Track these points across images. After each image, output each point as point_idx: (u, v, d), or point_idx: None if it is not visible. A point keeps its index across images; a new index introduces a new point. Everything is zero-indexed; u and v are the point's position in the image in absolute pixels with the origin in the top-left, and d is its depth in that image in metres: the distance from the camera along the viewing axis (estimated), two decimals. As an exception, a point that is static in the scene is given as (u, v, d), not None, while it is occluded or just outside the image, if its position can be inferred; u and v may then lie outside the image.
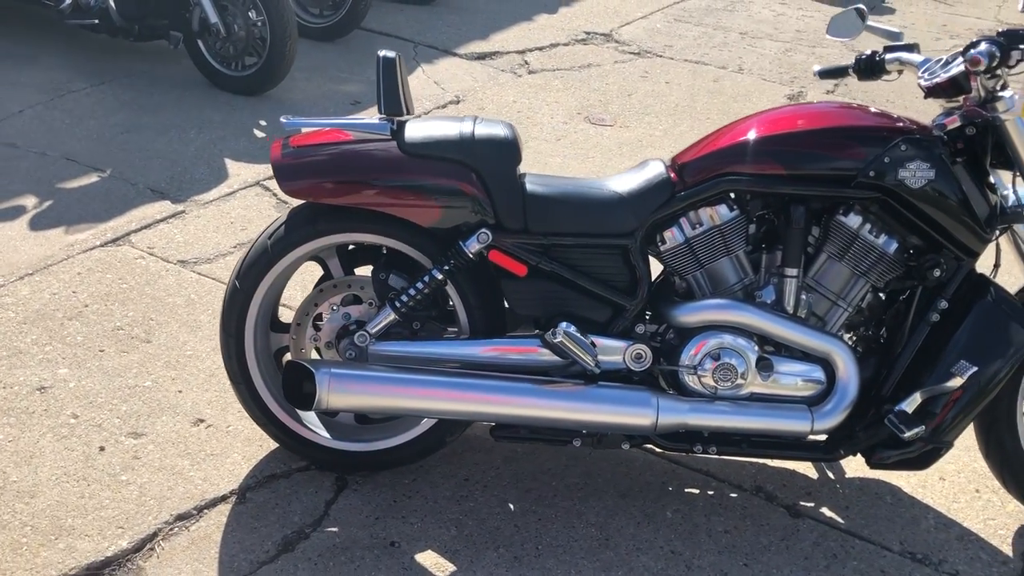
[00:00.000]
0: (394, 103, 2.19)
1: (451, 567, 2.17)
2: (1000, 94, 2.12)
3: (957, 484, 2.54)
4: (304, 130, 2.26)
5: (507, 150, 2.16)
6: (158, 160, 4.02)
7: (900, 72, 2.33)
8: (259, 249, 2.24)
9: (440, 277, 2.17)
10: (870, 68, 2.36)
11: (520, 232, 2.17)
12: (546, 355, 2.18)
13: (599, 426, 2.18)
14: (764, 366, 2.19)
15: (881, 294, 2.35)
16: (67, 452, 2.40)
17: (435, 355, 2.21)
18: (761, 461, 2.54)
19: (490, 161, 2.15)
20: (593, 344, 2.17)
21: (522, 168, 2.21)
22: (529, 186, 2.18)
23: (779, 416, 2.18)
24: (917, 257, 2.21)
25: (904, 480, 2.54)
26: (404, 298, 2.18)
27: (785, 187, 2.15)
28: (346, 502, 2.33)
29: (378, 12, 6.51)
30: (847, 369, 2.18)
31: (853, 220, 2.19)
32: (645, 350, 2.21)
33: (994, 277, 2.31)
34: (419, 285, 2.18)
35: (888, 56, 2.34)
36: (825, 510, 2.43)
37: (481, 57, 5.93)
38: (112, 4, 4.66)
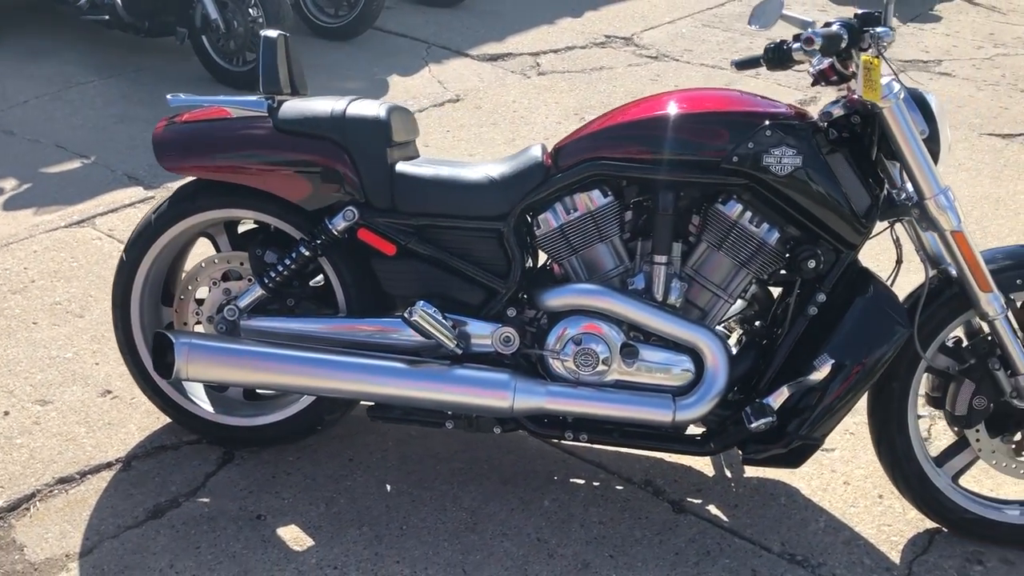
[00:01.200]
0: (272, 82, 2.23)
1: (310, 542, 2.19)
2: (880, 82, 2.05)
3: (861, 489, 2.45)
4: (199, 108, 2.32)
5: (377, 129, 2.18)
6: (143, 149, 4.14)
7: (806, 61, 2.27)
8: (143, 223, 2.31)
9: (307, 254, 2.20)
10: (778, 58, 2.31)
11: (389, 212, 2.18)
12: (411, 335, 2.18)
13: (459, 407, 2.17)
14: (629, 353, 2.16)
15: (770, 286, 2.29)
16: (-26, 415, 2.51)
17: (304, 332, 2.24)
18: (657, 456, 2.49)
19: (359, 140, 2.17)
20: (454, 325, 2.16)
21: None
22: (400, 166, 2.19)
23: (639, 404, 2.14)
24: (794, 248, 2.15)
25: (805, 483, 2.46)
26: (272, 273, 2.22)
27: (651, 172, 2.11)
28: (225, 475, 2.37)
29: (399, 14, 6.61)
30: (715, 360, 2.13)
31: (731, 208, 2.14)
32: (513, 333, 2.19)
33: (896, 272, 2.23)
34: (287, 261, 2.21)
35: (794, 45, 2.28)
36: (712, 508, 2.38)
37: (493, 58, 5.95)
38: (118, 1, 4.84)
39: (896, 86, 2.06)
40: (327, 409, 2.34)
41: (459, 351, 2.16)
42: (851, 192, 2.09)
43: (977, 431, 2.24)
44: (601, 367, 2.15)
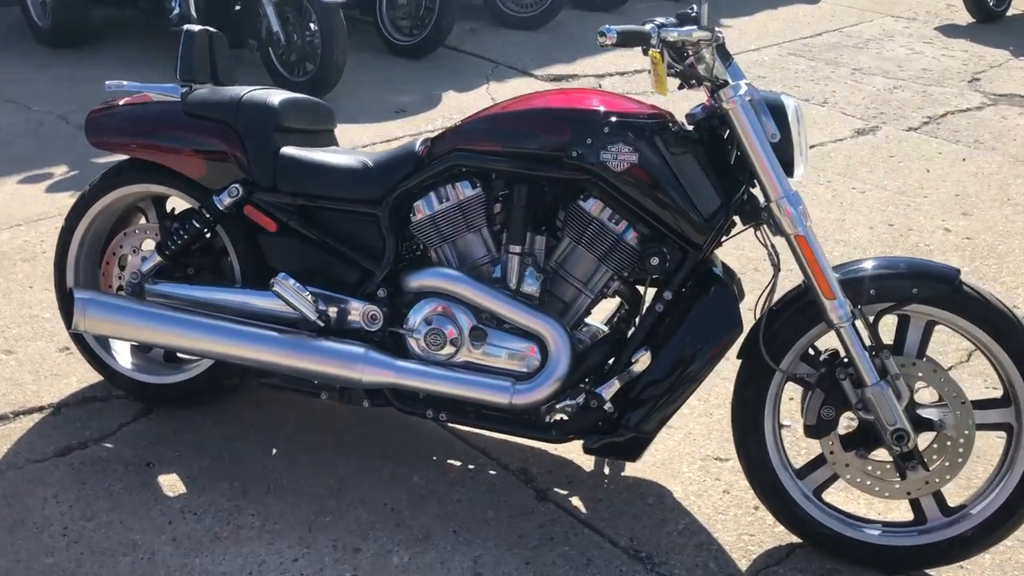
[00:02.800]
0: (189, 70, 2.48)
1: (182, 490, 2.38)
2: (727, 82, 2.08)
3: (738, 499, 2.43)
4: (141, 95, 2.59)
5: (266, 115, 2.38)
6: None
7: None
8: (80, 194, 2.59)
9: (198, 226, 2.41)
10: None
11: (271, 191, 2.37)
12: (283, 306, 2.35)
13: (316, 375, 2.31)
14: (477, 336, 2.25)
15: (637, 284, 2.33)
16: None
17: (195, 298, 2.44)
18: (541, 447, 2.56)
19: (249, 123, 2.37)
20: (319, 299, 2.32)
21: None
22: (285, 149, 2.38)
23: (479, 386, 2.22)
24: (642, 245, 2.19)
25: (682, 487, 2.47)
26: (168, 243, 2.44)
27: (502, 165, 2.21)
28: (136, 426, 2.60)
29: (480, 35, 6.89)
30: (558, 349, 2.19)
31: (591, 205, 2.21)
32: (379, 312, 2.33)
33: (775, 276, 2.22)
34: (180, 232, 2.43)
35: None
36: (575, 499, 2.42)
37: (557, 79, 6.11)
38: (193, 13, 5.29)
39: (743, 87, 2.08)
40: (224, 374, 2.53)
41: (320, 323, 2.31)
42: (696, 193, 2.12)
43: (831, 443, 2.19)
44: (449, 348, 2.26)
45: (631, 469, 2.53)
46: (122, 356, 2.63)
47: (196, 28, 2.50)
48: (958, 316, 2.10)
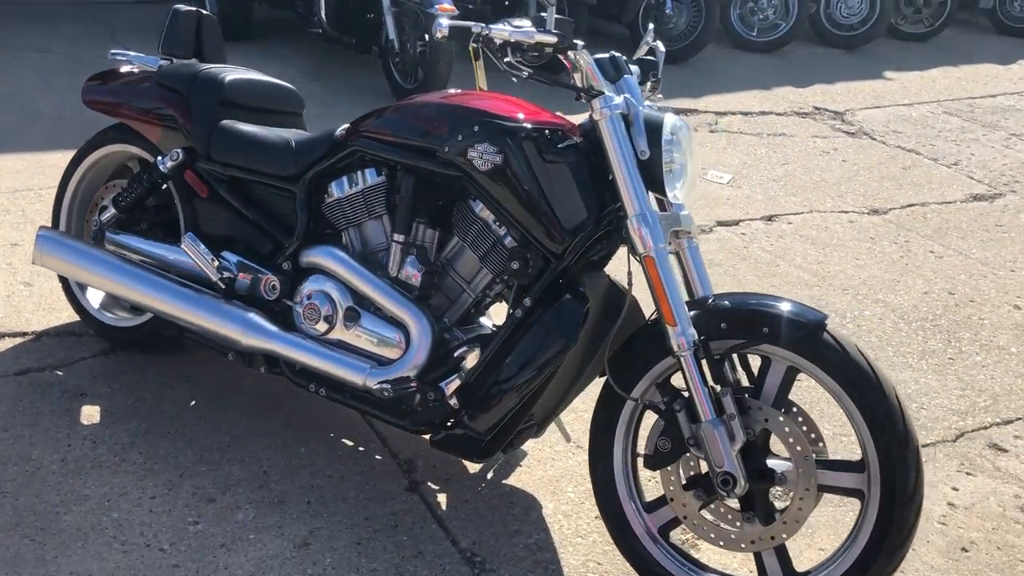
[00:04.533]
0: (168, 45, 2.72)
1: (95, 421, 2.60)
2: (598, 93, 2.06)
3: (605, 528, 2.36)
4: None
5: (213, 89, 2.57)
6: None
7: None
8: (77, 150, 2.90)
9: (146, 185, 2.64)
10: None
11: (206, 159, 2.56)
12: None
13: (208, 333, 2.46)
14: (350, 317, 2.32)
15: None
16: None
17: (140, 250, 2.67)
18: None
19: (198, 95, 2.57)
20: (219, 261, 2.47)
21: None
22: (224, 122, 2.56)
23: (339, 363, 2.29)
24: (510, 249, 2.19)
25: (555, 504, 2.43)
26: (121, 197, 2.68)
27: (391, 154, 2.27)
28: (92, 362, 2.87)
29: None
30: (418, 340, 2.23)
31: (477, 205, 2.24)
32: (278, 283, 2.45)
33: (626, 302, 2.16)
34: (131, 188, 2.66)
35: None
36: (443, 496, 2.43)
37: (674, 112, 6.03)
38: (323, 17, 5.69)
39: (617, 100, 2.05)
40: (162, 324, 2.74)
41: (222, 285, 2.47)
42: (560, 202, 2.10)
43: (672, 480, 2.10)
44: (323, 324, 2.35)
45: (516, 479, 2.52)
46: (94, 298, 2.91)
47: (183, 8, 2.74)
48: (812, 364, 1.95)
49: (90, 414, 2.63)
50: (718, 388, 1.99)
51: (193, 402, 2.72)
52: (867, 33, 8.09)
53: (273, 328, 2.38)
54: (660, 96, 2.52)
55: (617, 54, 2.18)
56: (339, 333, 2.34)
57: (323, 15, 5.72)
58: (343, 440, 2.62)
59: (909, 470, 1.89)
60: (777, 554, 2.05)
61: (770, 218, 4.47)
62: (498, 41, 2.01)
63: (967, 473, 2.72)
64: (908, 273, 3.97)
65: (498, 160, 2.11)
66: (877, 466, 1.91)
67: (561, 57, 2.06)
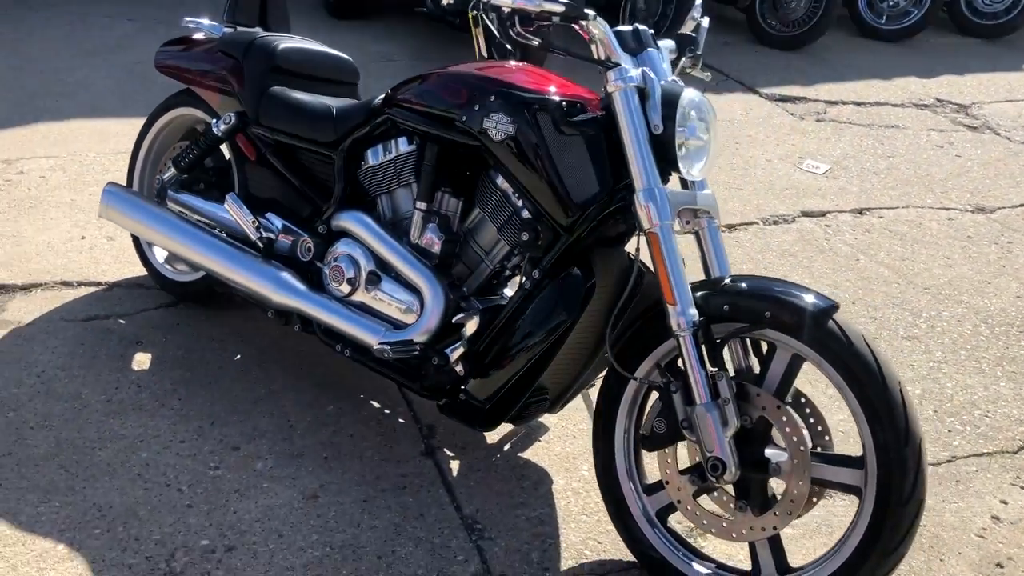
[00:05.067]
0: (232, 14, 2.83)
1: (145, 367, 2.75)
2: (615, 65, 2.02)
3: (614, 507, 2.34)
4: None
5: (265, 56, 2.66)
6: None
7: None
8: (151, 112, 3.05)
9: (202, 146, 2.76)
10: None
11: (255, 124, 2.65)
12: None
13: (247, 290, 2.56)
14: (371, 280, 2.37)
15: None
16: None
17: (195, 208, 2.80)
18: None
19: (252, 62, 2.67)
20: (259, 221, 2.56)
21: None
22: (273, 88, 2.64)
23: (357, 324, 2.35)
24: (522, 221, 2.18)
25: (565, 481, 2.42)
26: (180, 158, 2.81)
27: (417, 123, 2.30)
28: (153, 313, 3.03)
29: (733, 50, 6.78)
30: (431, 307, 2.26)
31: (496, 176, 2.25)
32: (312, 245, 2.52)
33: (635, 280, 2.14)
34: (189, 149, 2.79)
35: None
36: (456, 463, 2.46)
37: (782, 99, 5.88)
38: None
39: (632, 72, 2.01)
40: (214, 281, 2.86)
41: (260, 244, 2.56)
42: (572, 175, 2.07)
43: (668, 462, 2.06)
44: (346, 286, 2.40)
45: (532, 452, 2.52)
46: (159, 253, 3.07)
47: (251, -20, 2.85)
48: (815, 352, 1.88)
49: (141, 361, 2.79)
50: (716, 371, 1.94)
51: (238, 356, 2.84)
52: (1011, 22, 7.59)
53: (302, 287, 2.46)
54: (708, 75, 2.47)
55: (642, 27, 2.13)
56: (361, 296, 2.40)
57: (428, -2, 5.81)
58: (371, 402, 2.68)
59: (908, 470, 1.79)
60: (771, 546, 1.98)
61: (861, 211, 4.28)
62: (506, 9, 2.00)
63: (1022, 487, 2.55)
64: (1003, 275, 3.73)
65: (511, 130, 2.11)
66: (875, 463, 1.82)
67: (576, 27, 2.03)
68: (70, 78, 5.15)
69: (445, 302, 2.25)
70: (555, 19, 1.99)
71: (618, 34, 2.07)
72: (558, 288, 2.10)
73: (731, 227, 4.00)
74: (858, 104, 5.89)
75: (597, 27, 2.01)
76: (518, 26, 2.01)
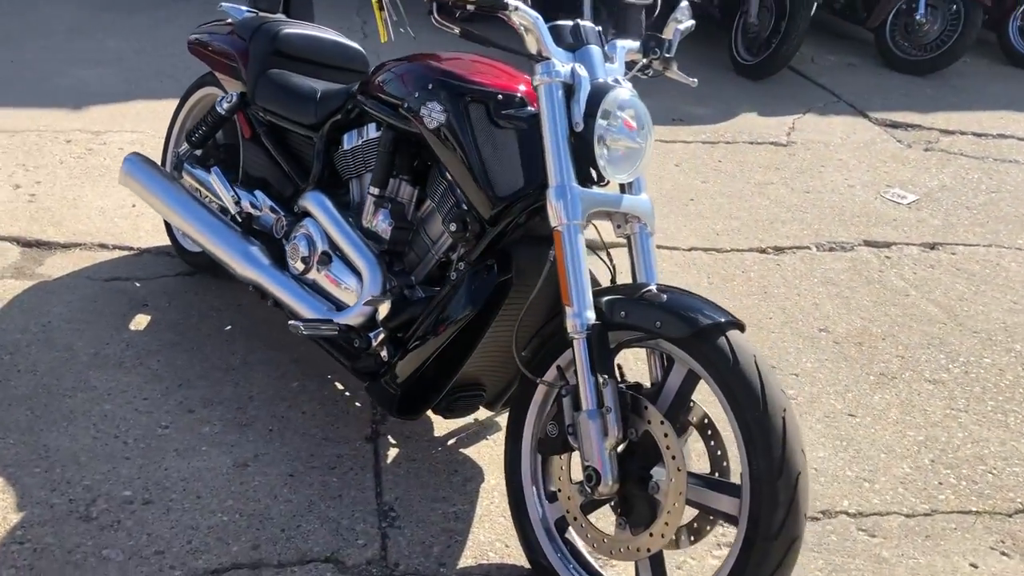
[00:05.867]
0: (254, 1, 2.95)
1: (142, 328, 2.90)
2: (545, 59, 1.98)
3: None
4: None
5: (268, 40, 2.75)
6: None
7: None
8: (185, 90, 3.23)
9: (210, 122, 2.88)
10: None
11: (252, 104, 2.76)
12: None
13: (216, 257, 2.66)
14: (323, 260, 2.41)
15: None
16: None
17: (202, 182, 2.93)
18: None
19: (256, 43, 2.77)
20: (239, 197, 2.67)
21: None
22: (272, 71, 2.74)
23: (303, 301, 2.40)
24: (453, 211, 2.17)
25: (498, 480, 2.38)
26: (192, 135, 2.95)
27: (373, 109, 2.32)
28: (170, 280, 3.19)
29: (858, 71, 6.49)
30: (367, 290, 2.28)
31: (442, 166, 2.25)
32: (285, 223, 2.60)
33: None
34: (200, 126, 2.92)
35: None
36: (394, 451, 2.47)
37: (892, 125, 5.59)
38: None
39: (560, 67, 1.97)
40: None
41: (239, 219, 2.66)
42: (498, 168, 2.05)
43: (561, 470, 2.00)
44: (300, 264, 2.46)
45: (475, 450, 2.50)
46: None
47: (275, -35, 2.96)
48: (702, 368, 1.78)
49: (139, 322, 2.94)
50: (604, 379, 1.86)
51: (229, 327, 2.95)
52: None
53: (265, 262, 2.54)
54: (694, 81, 2.39)
55: (587, 24, 2.08)
56: (313, 274, 2.45)
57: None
58: (336, 384, 2.72)
59: (778, 504, 1.67)
60: (652, 568, 1.89)
61: (932, 246, 3.98)
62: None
63: (1001, 552, 2.31)
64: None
65: (442, 119, 2.10)
66: (748, 493, 1.71)
67: (503, 18, 2.00)
68: (180, 63, 5.50)
69: (382, 287, 2.27)
70: (469, 7, 1.96)
71: (554, 28, 2.03)
72: (468, 281, 2.08)
73: (778, 250, 3.82)
74: (978, 135, 5.49)
75: (523, 18, 1.98)
76: (435, 14, 1.99)
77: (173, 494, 2.25)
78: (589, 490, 1.86)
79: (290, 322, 2.29)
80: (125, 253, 3.35)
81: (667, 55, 2.26)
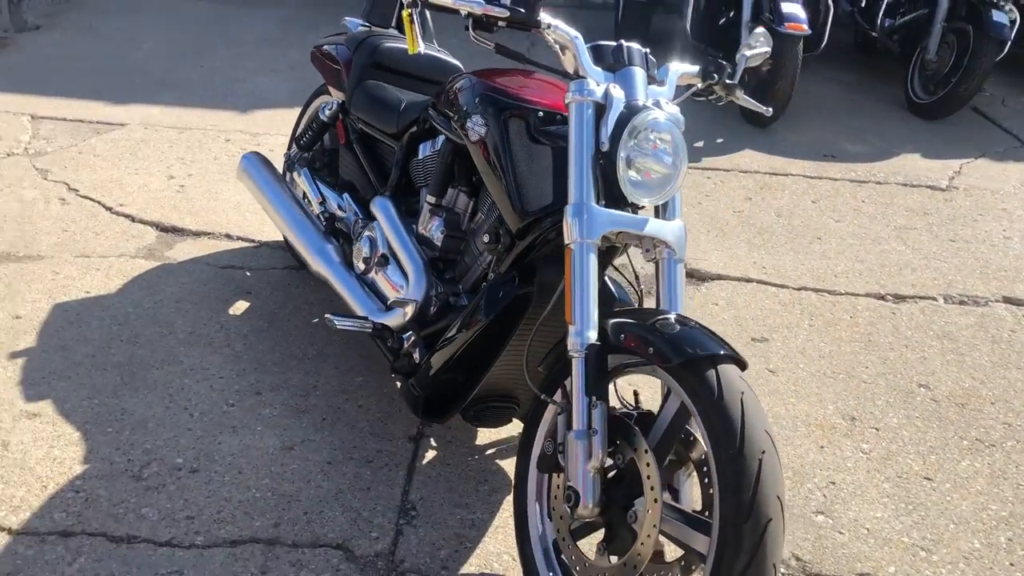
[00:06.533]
0: (367, 16, 3.12)
1: (235, 315, 3.11)
2: (578, 76, 2.00)
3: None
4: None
5: (368, 53, 2.90)
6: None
7: None
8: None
9: (315, 130, 3.06)
10: None
11: (348, 113, 2.91)
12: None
13: (300, 255, 2.82)
14: (381, 262, 2.52)
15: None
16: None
17: (305, 183, 3.11)
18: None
19: (358, 55, 2.93)
20: (324, 198, 2.82)
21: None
22: (368, 82, 2.88)
23: (360, 300, 2.51)
24: (490, 222, 2.22)
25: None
26: (301, 139, 3.14)
27: (437, 121, 2.40)
28: (278, 272, 3.40)
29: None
30: (411, 293, 2.36)
31: (496, 177, 2.31)
32: (361, 226, 2.73)
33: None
34: (307, 132, 3.10)
35: None
36: (432, 453, 2.53)
37: None
38: (688, 27, 5.77)
39: (593, 87, 1.97)
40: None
41: (322, 219, 2.81)
42: (530, 183, 2.08)
43: (557, 488, 1.98)
44: (362, 264, 2.58)
45: (510, 462, 2.52)
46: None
47: (402, -7, 3.11)
48: (689, 399, 1.73)
49: (238, 307, 3.16)
50: (594, 401, 1.84)
51: (316, 320, 3.12)
52: None
53: (335, 259, 2.68)
54: (768, 110, 2.35)
55: (633, 45, 2.07)
56: (372, 275, 2.56)
57: (687, 25, 5.79)
58: (397, 383, 2.82)
59: (741, 550, 1.60)
60: (626, 601, 1.84)
61: (1083, 309, 3.62)
62: (464, 13, 2.04)
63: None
64: None
65: (482, 132, 2.15)
66: (716, 532, 1.64)
67: (538, 34, 2.02)
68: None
69: (423, 292, 2.34)
70: (501, 24, 1.99)
71: (596, 48, 2.03)
72: (488, 291, 2.11)
73: (899, 298, 3.60)
74: None
75: (560, 36, 2.00)
76: (472, 30, 2.04)
77: (218, 466, 2.41)
78: (569, 510, 1.84)
79: (325, 315, 2.41)
80: (245, 245, 3.60)
81: (729, 81, 2.21)
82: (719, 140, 5.24)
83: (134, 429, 2.53)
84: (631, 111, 1.95)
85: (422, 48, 2.00)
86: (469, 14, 1.99)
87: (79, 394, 2.65)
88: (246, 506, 2.29)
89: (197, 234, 3.66)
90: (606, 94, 1.97)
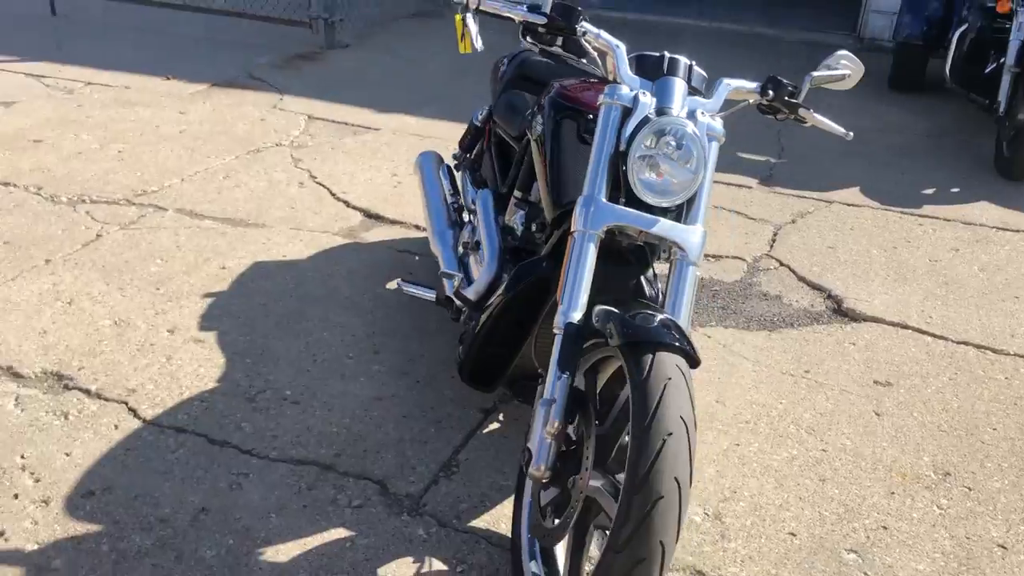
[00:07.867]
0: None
1: (403, 300, 3.55)
2: (615, 81, 2.17)
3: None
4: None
5: (517, 62, 3.20)
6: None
7: None
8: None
9: (472, 133, 3.40)
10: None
11: (493, 117, 3.23)
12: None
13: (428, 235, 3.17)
14: (474, 248, 2.80)
15: None
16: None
17: (462, 180, 3.47)
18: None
19: (509, 68, 3.23)
20: (455, 190, 3.15)
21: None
22: (512, 89, 3.17)
23: (448, 277, 2.80)
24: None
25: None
26: (462, 140, 3.49)
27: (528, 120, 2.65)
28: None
29: None
30: (482, 275, 2.62)
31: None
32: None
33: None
34: (467, 134, 3.45)
35: None
36: (496, 425, 2.76)
37: None
38: (948, 72, 5.45)
39: (625, 91, 2.13)
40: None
41: (455, 206, 3.16)
42: (567, 176, 2.27)
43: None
44: (462, 248, 2.88)
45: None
46: (465, 216, 3.82)
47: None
48: (628, 379, 1.84)
49: (392, 284, 3.59)
50: (564, 375, 1.99)
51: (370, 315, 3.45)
52: None
53: (448, 242, 3.00)
54: (850, 135, 2.40)
55: (678, 57, 2.19)
56: (467, 258, 2.85)
57: (947, 69, 5.47)
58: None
59: (628, 520, 1.69)
60: (543, 558, 2.00)
61: None
62: (517, 20, 2.26)
63: None
64: None
65: (539, 130, 2.38)
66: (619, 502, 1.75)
67: (581, 41, 2.20)
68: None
69: (492, 274, 2.60)
70: (540, 30, 2.19)
71: (640, 57, 2.18)
72: (516, 271, 2.31)
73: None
74: None
75: (600, 43, 2.17)
76: (523, 37, 2.25)
77: (315, 402, 2.82)
78: (523, 467, 2.00)
79: (399, 280, 2.74)
80: (426, 235, 4.03)
81: (791, 99, 2.26)
82: (954, 189, 4.93)
83: (266, 363, 3.01)
84: (652, 115, 2.08)
85: (479, 47, 2.27)
86: (522, 22, 2.22)
87: (240, 331, 3.19)
88: (321, 436, 2.67)
89: (392, 222, 4.15)
90: (635, 99, 2.11)
